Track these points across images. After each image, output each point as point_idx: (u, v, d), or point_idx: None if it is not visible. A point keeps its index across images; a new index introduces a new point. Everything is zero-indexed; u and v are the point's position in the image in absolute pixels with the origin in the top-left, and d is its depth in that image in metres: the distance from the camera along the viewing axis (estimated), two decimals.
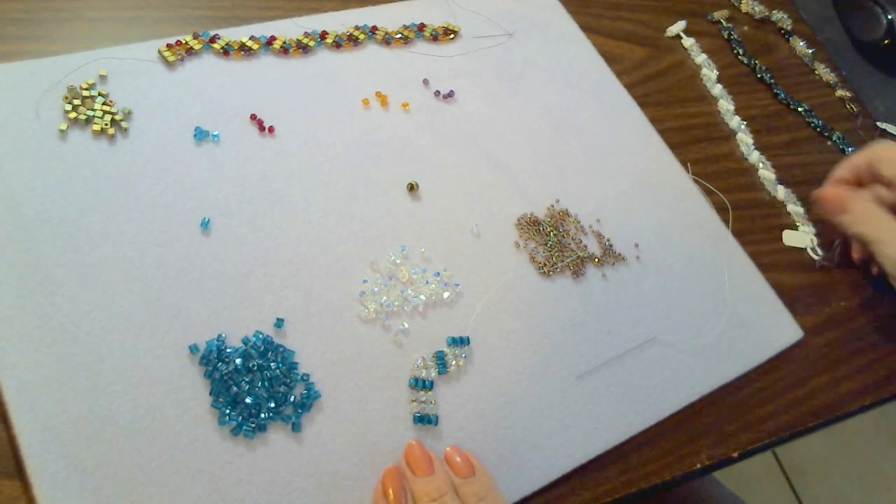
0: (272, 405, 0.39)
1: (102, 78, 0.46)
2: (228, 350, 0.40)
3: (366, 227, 0.47)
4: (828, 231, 0.60)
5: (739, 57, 0.70)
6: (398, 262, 0.46)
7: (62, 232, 0.40)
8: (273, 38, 0.52)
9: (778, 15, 0.75)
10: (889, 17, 0.74)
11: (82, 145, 0.44)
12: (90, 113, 0.44)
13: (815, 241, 0.58)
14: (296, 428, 0.39)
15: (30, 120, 0.43)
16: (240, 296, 0.42)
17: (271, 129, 0.48)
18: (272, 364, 0.40)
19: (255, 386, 0.39)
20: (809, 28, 0.76)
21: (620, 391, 0.46)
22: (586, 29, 0.64)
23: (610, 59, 0.63)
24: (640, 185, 0.56)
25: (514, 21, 0.61)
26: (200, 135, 0.46)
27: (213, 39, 0.50)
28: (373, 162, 0.50)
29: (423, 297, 0.45)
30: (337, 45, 0.54)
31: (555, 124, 0.56)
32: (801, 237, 0.58)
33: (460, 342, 0.44)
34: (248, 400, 0.39)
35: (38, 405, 0.36)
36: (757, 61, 0.70)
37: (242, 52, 0.51)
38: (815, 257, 0.57)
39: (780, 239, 0.58)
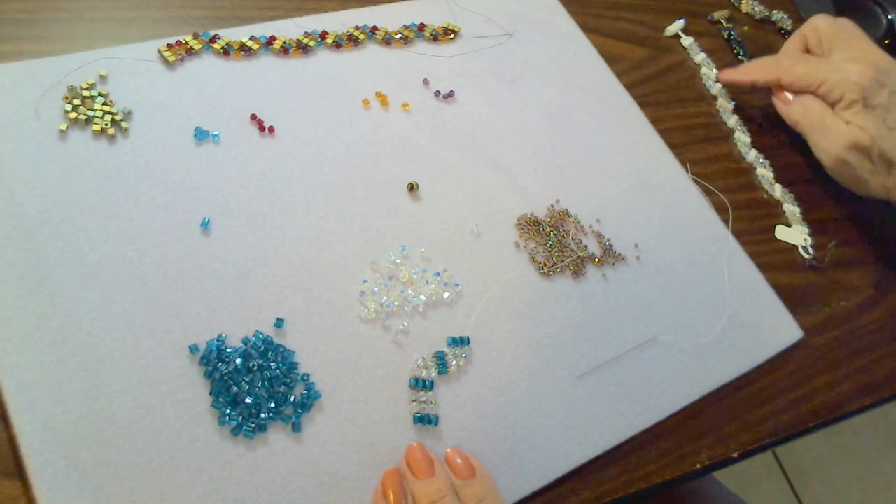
0: (272, 405, 0.39)
1: (102, 78, 0.46)
2: (228, 350, 0.40)
3: (366, 227, 0.47)
4: (823, 232, 0.60)
5: (739, 57, 0.70)
6: (398, 262, 0.46)
7: (62, 232, 0.40)
8: (273, 38, 0.52)
9: (778, 15, 0.75)
10: (889, 17, 0.74)
11: (82, 145, 0.44)
12: (90, 113, 0.44)
13: (809, 240, 0.58)
14: (296, 428, 0.39)
15: (30, 120, 0.43)
16: (240, 296, 0.42)
17: (271, 129, 0.48)
18: (272, 364, 0.40)
19: (255, 386, 0.39)
20: None
21: (620, 391, 0.46)
22: (586, 29, 0.64)
23: (610, 59, 0.63)
24: (640, 185, 0.56)
25: (514, 21, 0.61)
26: (200, 135, 0.46)
27: (213, 39, 0.50)
28: (373, 162, 0.50)
29: (423, 297, 0.45)
30: (337, 45, 0.54)
31: (555, 124, 0.57)
32: (795, 234, 0.58)
33: (460, 342, 0.44)
34: (248, 400, 0.39)
35: (38, 405, 0.36)
36: None
37: (242, 52, 0.51)
38: (806, 256, 0.58)
39: (781, 240, 0.58)
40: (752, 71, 0.62)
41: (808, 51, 0.63)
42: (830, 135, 0.57)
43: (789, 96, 0.60)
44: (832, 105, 0.57)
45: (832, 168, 0.58)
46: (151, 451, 0.36)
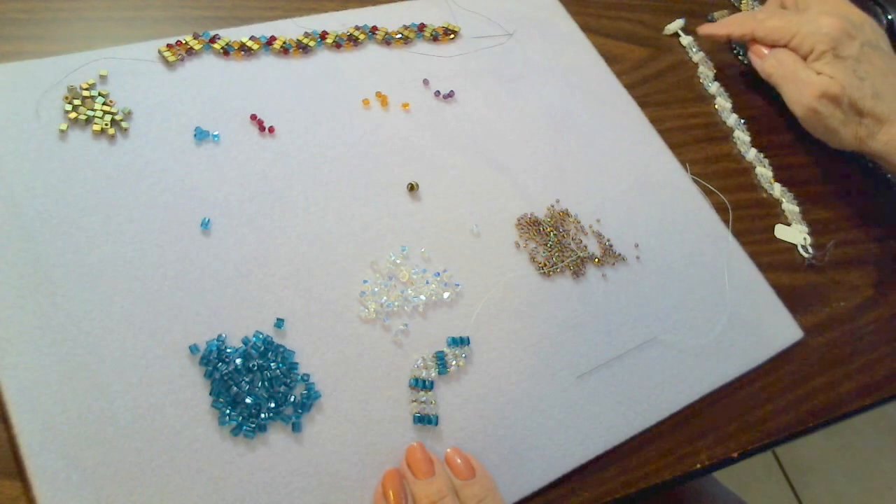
0: (272, 405, 0.39)
1: (102, 78, 0.46)
2: (228, 350, 0.40)
3: (366, 227, 0.47)
4: (823, 232, 0.60)
5: (739, 57, 0.70)
6: (398, 262, 0.46)
7: (62, 232, 0.40)
8: (273, 38, 0.52)
9: None
10: (889, 17, 0.74)
11: (82, 145, 0.44)
12: (90, 113, 0.44)
13: (809, 240, 0.58)
14: (296, 428, 0.39)
15: (30, 120, 0.43)
16: (240, 296, 0.42)
17: (271, 129, 0.48)
18: (272, 364, 0.40)
19: (255, 386, 0.39)
20: None
21: (620, 391, 0.46)
22: (586, 29, 0.64)
23: (610, 59, 0.63)
24: (640, 185, 0.56)
25: (514, 21, 0.61)
26: (200, 135, 0.46)
27: (213, 39, 0.50)
28: (373, 162, 0.50)
29: (423, 297, 0.45)
30: (337, 45, 0.54)
31: (555, 124, 0.57)
32: (794, 234, 0.58)
33: (460, 342, 0.44)
34: (248, 400, 0.39)
35: (38, 405, 0.36)
36: None
37: (242, 52, 0.51)
38: (805, 255, 0.58)
39: (781, 239, 0.58)
40: (729, 25, 0.65)
41: (785, 8, 0.65)
42: (802, 85, 0.58)
43: (764, 51, 0.62)
44: (804, 57, 0.59)
45: (804, 118, 0.60)
46: (151, 451, 0.36)
